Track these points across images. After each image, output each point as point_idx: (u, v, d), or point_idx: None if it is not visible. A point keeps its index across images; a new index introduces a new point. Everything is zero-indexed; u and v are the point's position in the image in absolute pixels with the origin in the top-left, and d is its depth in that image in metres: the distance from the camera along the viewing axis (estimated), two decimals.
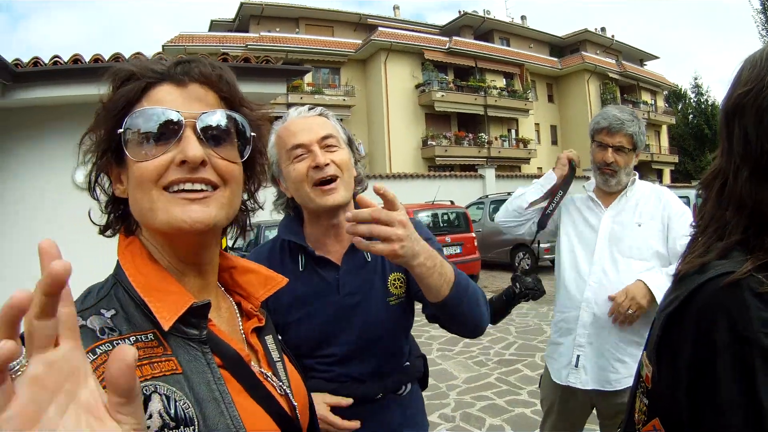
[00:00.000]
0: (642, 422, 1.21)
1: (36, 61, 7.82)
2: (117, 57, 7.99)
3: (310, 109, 2.03)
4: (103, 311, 0.98)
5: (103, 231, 1.16)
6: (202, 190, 1.05)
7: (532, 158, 41.50)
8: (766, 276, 1.02)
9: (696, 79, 55.60)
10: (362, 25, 42.55)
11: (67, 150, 7.39)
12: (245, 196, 1.25)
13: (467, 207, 18.36)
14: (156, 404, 0.90)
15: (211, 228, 1.06)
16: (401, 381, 2.12)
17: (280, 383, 1.19)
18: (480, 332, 1.95)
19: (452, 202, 17.88)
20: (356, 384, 2.02)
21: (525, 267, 15.62)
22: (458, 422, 5.89)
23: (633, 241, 2.96)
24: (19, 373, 0.57)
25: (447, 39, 40.73)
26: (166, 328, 0.98)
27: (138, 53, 7.87)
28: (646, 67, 52.51)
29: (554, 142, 45.60)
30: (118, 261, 1.09)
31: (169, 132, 1.02)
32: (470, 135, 40.10)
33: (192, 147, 1.02)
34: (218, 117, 1.08)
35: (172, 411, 0.91)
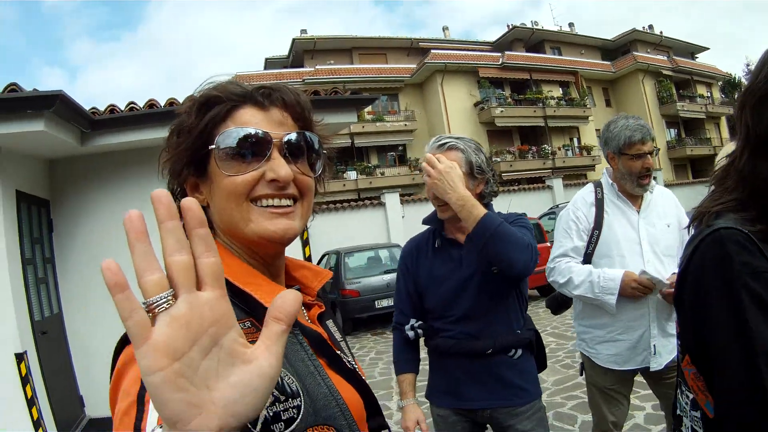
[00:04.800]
0: (680, 360, 1.74)
1: (112, 108, 8.89)
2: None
3: (440, 145, 3.14)
4: None
5: None
6: (288, 206, 1.36)
7: (597, 164, 46.74)
8: (747, 227, 1.50)
9: (748, 65, 56.59)
10: (414, 49, 48.90)
11: (146, 190, 8.73)
12: None
13: (539, 218, 20.51)
14: None
15: (294, 238, 1.38)
16: (510, 343, 3.17)
17: (348, 358, 1.50)
18: (513, 271, 2.84)
19: (525, 215, 22.26)
20: (471, 340, 3.15)
21: None
22: (552, 421, 6.93)
23: (667, 241, 3.83)
24: (163, 308, 0.69)
25: (499, 54, 46.82)
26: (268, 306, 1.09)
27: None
28: (697, 60, 57.46)
29: None
30: None
31: (259, 151, 1.31)
32: (533, 148, 45.60)
33: (282, 167, 1.31)
34: (299, 138, 1.39)
35: (281, 385, 1.17)
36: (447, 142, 3.13)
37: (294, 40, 47.45)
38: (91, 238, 9.56)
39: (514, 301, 3.25)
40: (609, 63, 52.64)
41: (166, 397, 0.69)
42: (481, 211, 2.84)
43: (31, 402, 7.50)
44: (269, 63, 50.72)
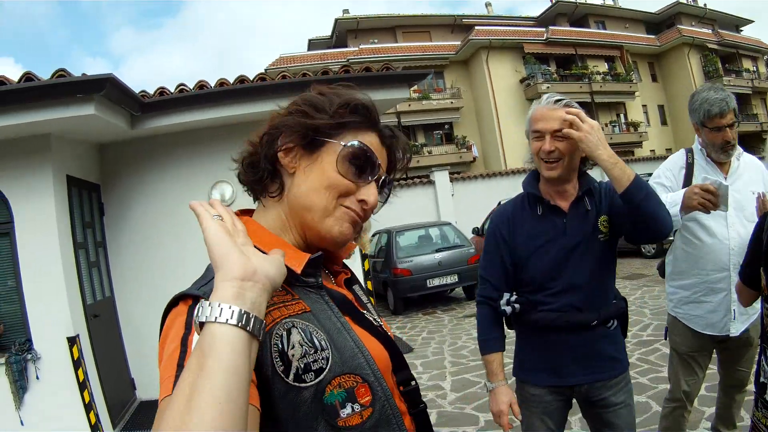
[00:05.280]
0: (765, 324, 1.83)
1: (162, 91, 8.91)
2: (242, 80, 9.13)
3: (556, 101, 3.00)
4: None
5: (250, 182, 1.59)
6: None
7: (644, 141, 46.06)
8: None
9: None
10: (458, 26, 48.28)
11: (196, 172, 9.70)
12: None
13: None
14: (296, 336, 1.31)
15: (343, 246, 1.60)
16: (610, 315, 3.13)
17: (374, 316, 1.65)
18: (665, 232, 2.86)
19: None
20: (575, 312, 3.05)
21: (650, 251, 18.37)
22: None
23: (752, 207, 3.81)
24: (219, 219, 1.23)
25: (544, 29, 45.95)
26: (299, 271, 1.42)
27: (242, 76, 9.18)
28: (742, 33, 55.80)
29: (663, 123, 49.68)
30: None
31: (368, 173, 1.51)
32: None
33: (374, 194, 1.53)
34: (388, 182, 1.63)
35: (310, 340, 1.33)
36: (563, 99, 3.05)
37: (337, 20, 47.23)
38: (143, 221, 9.70)
39: (612, 269, 3.23)
40: (654, 37, 51.18)
41: (233, 249, 1.18)
42: (631, 170, 2.81)
43: (83, 385, 7.50)
44: (312, 44, 50.57)
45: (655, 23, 53.60)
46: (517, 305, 3.19)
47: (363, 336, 1.48)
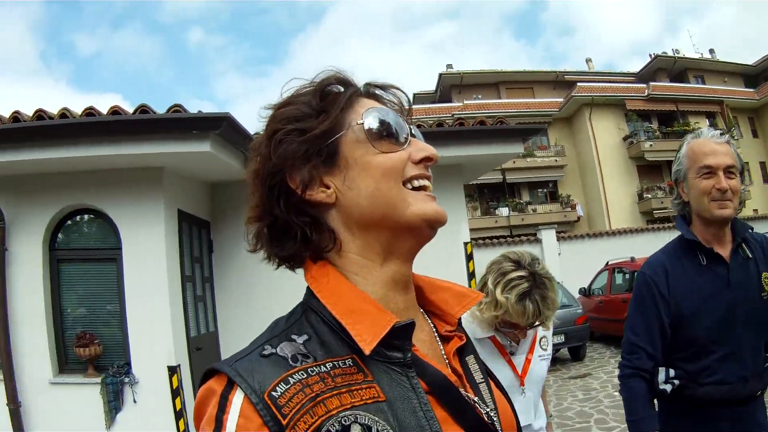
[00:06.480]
0: None
1: None
2: None
3: (721, 134, 2.80)
4: (294, 337, 1.05)
5: (287, 258, 1.24)
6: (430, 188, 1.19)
7: (747, 200, 43.37)
8: None
9: None
10: (560, 82, 47.79)
11: None
12: None
13: None
14: None
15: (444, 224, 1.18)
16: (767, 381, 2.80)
17: (487, 410, 1.16)
18: None
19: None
20: (742, 383, 2.69)
21: None
22: None
23: None
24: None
25: (644, 85, 45.01)
26: (367, 352, 1.01)
27: None
28: None
29: (766, 180, 47.45)
30: (308, 287, 1.16)
31: (402, 129, 1.17)
32: None
33: (426, 145, 1.19)
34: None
35: None
36: (725, 134, 2.88)
37: (441, 75, 47.50)
38: (251, 262, 9.62)
39: None
40: (752, 90, 49.31)
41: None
42: None
43: (179, 414, 7.83)
44: (417, 98, 50.55)
45: (753, 75, 51.75)
46: (676, 381, 2.77)
47: None
